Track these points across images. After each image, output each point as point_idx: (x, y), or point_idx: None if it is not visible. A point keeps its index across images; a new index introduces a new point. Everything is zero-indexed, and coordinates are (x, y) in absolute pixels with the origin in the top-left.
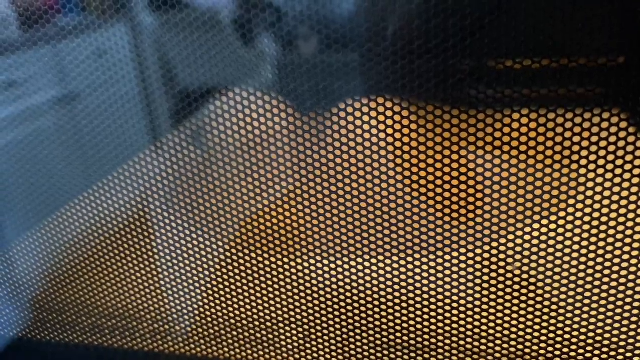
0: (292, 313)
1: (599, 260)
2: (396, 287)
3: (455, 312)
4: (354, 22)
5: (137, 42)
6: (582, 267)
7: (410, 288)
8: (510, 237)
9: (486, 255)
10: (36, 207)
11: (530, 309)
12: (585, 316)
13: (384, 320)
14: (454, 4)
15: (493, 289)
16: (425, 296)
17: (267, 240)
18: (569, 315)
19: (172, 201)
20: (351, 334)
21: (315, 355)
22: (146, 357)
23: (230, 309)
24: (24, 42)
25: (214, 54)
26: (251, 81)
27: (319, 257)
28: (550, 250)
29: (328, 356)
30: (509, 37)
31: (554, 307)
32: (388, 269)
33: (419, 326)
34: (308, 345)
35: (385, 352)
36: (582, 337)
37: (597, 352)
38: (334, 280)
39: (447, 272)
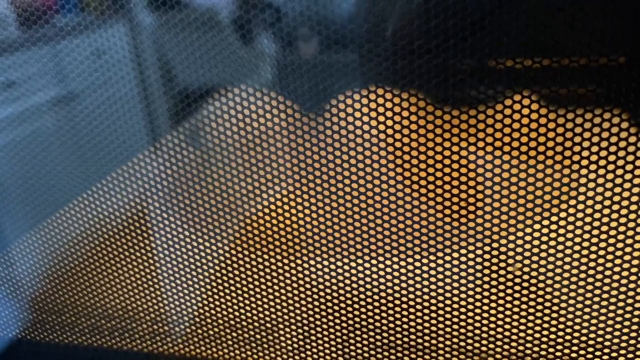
0: (291, 314)
1: (600, 260)
2: (397, 287)
3: (456, 312)
4: (354, 22)
5: (136, 42)
6: (583, 267)
7: (411, 288)
8: (511, 237)
9: (487, 256)
10: (36, 208)
11: (532, 310)
12: (586, 317)
13: (385, 321)
14: (454, 3)
15: (494, 290)
16: (426, 297)
17: (267, 241)
18: (570, 316)
19: (171, 202)
20: (351, 334)
21: (315, 356)
22: (146, 358)
23: (230, 309)
24: (22, 42)
25: (213, 54)
26: (250, 81)
27: (318, 257)
28: (551, 250)
29: (328, 357)
30: (509, 37)
31: (555, 307)
32: (388, 269)
33: (419, 327)
34: (308, 347)
35: (386, 353)
36: (584, 338)
37: (598, 352)
38: (333, 280)
39: (448, 272)
